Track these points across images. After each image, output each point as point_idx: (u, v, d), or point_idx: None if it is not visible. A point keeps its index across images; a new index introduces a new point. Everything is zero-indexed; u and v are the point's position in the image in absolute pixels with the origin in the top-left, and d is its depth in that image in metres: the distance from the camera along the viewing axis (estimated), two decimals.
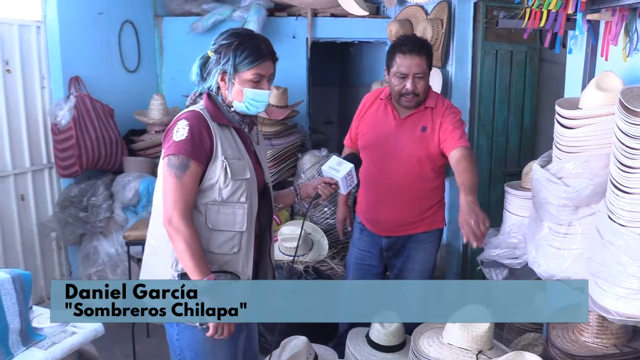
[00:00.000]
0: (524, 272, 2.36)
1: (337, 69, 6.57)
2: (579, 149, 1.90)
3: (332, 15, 4.58)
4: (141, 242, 2.65)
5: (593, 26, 2.16)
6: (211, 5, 4.41)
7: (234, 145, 1.82)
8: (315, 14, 4.57)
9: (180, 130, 1.72)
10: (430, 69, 2.50)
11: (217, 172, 1.76)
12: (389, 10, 4.64)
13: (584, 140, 1.89)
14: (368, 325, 2.60)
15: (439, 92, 3.59)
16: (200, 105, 1.82)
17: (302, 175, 4.06)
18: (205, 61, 1.84)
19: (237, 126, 1.87)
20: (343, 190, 2.12)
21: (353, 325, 2.72)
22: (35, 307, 2.06)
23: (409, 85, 2.44)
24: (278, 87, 4.07)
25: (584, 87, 2.17)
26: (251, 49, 1.78)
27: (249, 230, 1.84)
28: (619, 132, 1.68)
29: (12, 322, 1.82)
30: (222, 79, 1.81)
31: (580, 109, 1.95)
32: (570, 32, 2.33)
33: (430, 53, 2.51)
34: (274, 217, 2.49)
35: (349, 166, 2.07)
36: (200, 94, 1.90)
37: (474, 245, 1.89)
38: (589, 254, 1.87)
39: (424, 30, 3.63)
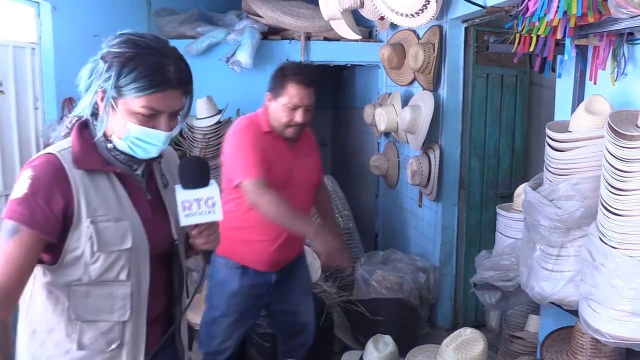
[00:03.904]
0: (517, 295, 2.36)
1: (330, 92, 6.61)
2: (570, 171, 1.92)
3: (325, 38, 4.64)
4: None
5: (581, 51, 2.19)
6: (205, 28, 4.45)
7: (112, 199, 1.33)
8: (308, 37, 4.62)
9: (20, 185, 1.25)
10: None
11: (81, 241, 1.28)
12: (381, 34, 4.70)
13: (575, 162, 1.91)
14: (362, 348, 2.58)
15: (430, 114, 3.63)
16: (65, 144, 1.33)
17: None
18: (94, 67, 1.31)
19: (120, 171, 1.35)
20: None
21: (347, 348, 2.71)
22: None
23: (299, 117, 2.31)
24: None
25: (573, 110, 2.20)
26: (146, 69, 1.25)
27: (135, 318, 1.36)
28: (608, 155, 1.69)
29: None
30: (101, 100, 1.30)
31: (570, 132, 1.97)
32: (560, 57, 2.37)
33: (318, 81, 2.41)
34: None
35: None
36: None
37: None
38: (581, 276, 1.87)
39: (415, 54, 3.68)
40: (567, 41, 2.00)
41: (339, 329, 3.59)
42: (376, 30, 4.80)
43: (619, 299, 1.67)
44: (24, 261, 1.24)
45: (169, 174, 1.50)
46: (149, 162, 1.42)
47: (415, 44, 3.77)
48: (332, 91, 6.62)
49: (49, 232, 1.25)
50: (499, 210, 2.47)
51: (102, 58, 1.29)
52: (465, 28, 3.65)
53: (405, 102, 4.03)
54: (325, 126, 6.80)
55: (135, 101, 1.26)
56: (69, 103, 3.70)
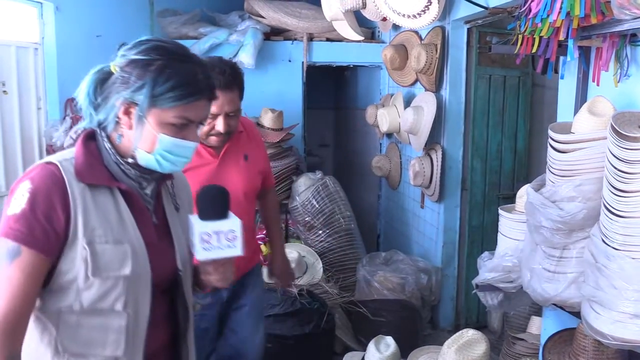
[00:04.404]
0: (519, 296, 2.36)
1: (332, 92, 6.62)
2: (572, 172, 1.91)
3: (328, 39, 4.64)
4: None
5: (584, 52, 2.19)
6: (208, 29, 4.46)
7: (114, 219, 1.20)
8: (311, 38, 4.62)
9: (18, 199, 1.13)
10: (241, 100, 2.14)
11: (75, 263, 1.15)
12: (383, 35, 4.70)
13: (577, 164, 1.90)
14: (363, 349, 2.58)
15: (433, 115, 3.63)
16: (68, 154, 1.22)
17: (297, 197, 4.06)
18: (104, 78, 1.23)
19: (126, 188, 1.24)
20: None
21: (348, 349, 2.70)
22: None
23: (220, 126, 2.06)
24: (274, 110, 4.10)
25: (576, 111, 2.20)
26: (182, 78, 1.19)
27: (131, 353, 1.22)
28: (611, 157, 1.69)
29: None
30: (127, 113, 1.20)
31: (573, 133, 1.96)
32: (562, 58, 2.37)
33: (241, 82, 2.12)
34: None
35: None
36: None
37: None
38: (583, 277, 1.87)
39: (418, 55, 3.68)
40: (570, 42, 2.00)
41: (340, 329, 3.59)
42: (378, 31, 4.80)
43: (622, 300, 1.67)
44: (29, 286, 1.12)
45: (178, 198, 1.40)
46: (160, 182, 1.33)
47: (418, 45, 3.77)
48: (335, 92, 6.63)
49: (52, 251, 1.14)
50: (501, 212, 2.46)
51: (123, 68, 1.20)
52: (468, 29, 3.65)
53: (407, 103, 4.03)
54: (328, 127, 6.80)
55: (169, 111, 1.19)
56: (72, 103, 3.71)
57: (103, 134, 1.25)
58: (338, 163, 6.67)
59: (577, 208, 1.87)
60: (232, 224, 1.25)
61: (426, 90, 3.87)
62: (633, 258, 1.64)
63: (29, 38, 3.60)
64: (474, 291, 2.50)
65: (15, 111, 3.48)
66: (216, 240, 1.23)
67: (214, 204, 1.27)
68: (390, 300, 3.59)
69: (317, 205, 4.02)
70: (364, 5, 3.52)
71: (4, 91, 3.41)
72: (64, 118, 3.63)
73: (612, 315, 1.70)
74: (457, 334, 2.49)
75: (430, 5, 2.94)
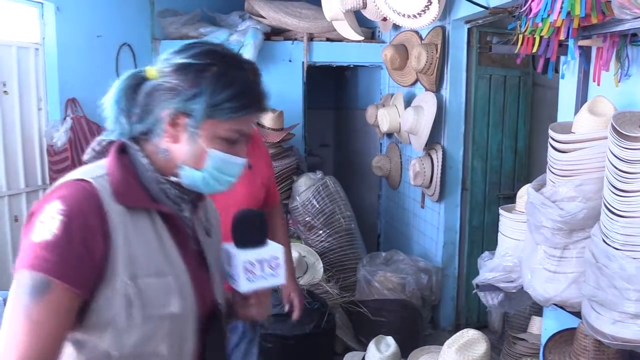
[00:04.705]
0: (519, 296, 2.36)
1: (332, 92, 6.62)
2: (573, 172, 1.91)
3: (328, 39, 4.64)
4: None
5: (585, 52, 2.19)
6: (208, 29, 4.46)
7: (155, 246, 1.04)
8: (311, 38, 4.62)
9: (48, 223, 0.93)
10: None
11: (114, 302, 0.97)
12: (383, 35, 4.70)
13: (578, 164, 1.90)
14: (364, 349, 2.58)
15: (433, 115, 3.63)
16: (98, 170, 1.04)
17: (297, 197, 4.06)
18: (136, 84, 1.07)
19: (168, 211, 1.08)
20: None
21: (348, 349, 2.70)
22: None
23: None
24: (274, 110, 4.10)
25: (576, 111, 2.20)
26: (240, 87, 1.06)
27: None
28: (611, 156, 1.69)
29: None
30: (174, 124, 1.05)
31: (574, 133, 1.96)
32: (563, 58, 2.37)
33: None
34: None
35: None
36: (111, 144, 1.11)
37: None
38: (584, 277, 1.87)
39: (418, 55, 3.68)
40: (571, 42, 2.00)
41: (341, 330, 3.59)
42: (379, 31, 4.80)
43: (622, 300, 1.67)
44: (58, 329, 0.93)
45: (208, 221, 1.25)
46: (196, 204, 1.18)
47: (418, 45, 3.77)
48: (335, 92, 6.63)
49: (87, 286, 0.95)
50: (501, 212, 2.46)
51: (169, 74, 1.05)
52: (468, 29, 3.65)
53: (407, 103, 4.03)
54: (328, 127, 6.81)
55: (224, 124, 1.05)
56: (72, 103, 3.71)
57: (136, 147, 1.08)
58: (338, 163, 6.67)
59: (578, 208, 1.87)
60: (275, 250, 1.15)
61: (426, 90, 3.87)
62: (634, 258, 1.64)
63: (30, 38, 3.60)
64: (474, 291, 2.50)
65: (16, 111, 3.48)
66: (259, 270, 1.13)
67: (253, 230, 1.17)
68: (390, 300, 3.59)
69: (317, 205, 4.02)
70: (364, 5, 3.52)
71: (5, 91, 3.41)
72: (65, 118, 3.64)
73: (612, 315, 1.70)
74: (458, 333, 2.49)
75: (430, 5, 2.94)
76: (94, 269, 0.95)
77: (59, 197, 0.97)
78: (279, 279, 1.15)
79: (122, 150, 1.08)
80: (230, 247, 1.15)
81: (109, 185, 1.01)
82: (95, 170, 1.04)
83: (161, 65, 1.07)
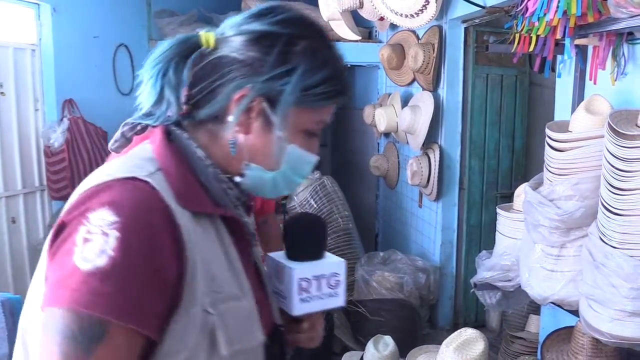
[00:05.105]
0: (517, 295, 2.36)
1: None
2: (570, 171, 1.92)
3: None
4: None
5: (581, 51, 2.20)
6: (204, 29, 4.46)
7: (223, 262, 0.81)
8: None
9: (98, 241, 0.68)
10: None
11: (191, 337, 0.74)
12: (380, 34, 4.70)
13: (574, 162, 1.91)
14: (362, 349, 2.58)
15: (430, 115, 3.63)
16: (148, 164, 0.79)
17: (295, 197, 4.06)
18: (187, 53, 0.83)
19: (234, 216, 0.86)
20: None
21: (347, 349, 2.70)
22: None
23: None
24: None
25: (573, 110, 2.20)
26: (334, 68, 0.86)
27: None
28: (608, 155, 1.69)
29: (0, 348, 1.79)
30: (248, 109, 0.82)
31: (570, 132, 1.97)
32: (559, 57, 2.37)
33: None
34: None
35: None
36: (144, 129, 0.89)
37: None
38: (581, 276, 1.87)
39: (415, 54, 3.68)
40: (567, 41, 2.01)
41: (339, 329, 3.59)
42: (376, 31, 4.80)
43: (620, 298, 1.67)
44: None
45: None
46: (250, 206, 0.95)
47: (415, 45, 3.78)
48: None
49: (158, 324, 0.71)
50: (499, 211, 2.47)
51: (243, 43, 0.81)
52: (465, 28, 3.66)
53: (405, 103, 4.04)
54: (325, 127, 6.79)
55: (312, 113, 0.85)
56: (69, 104, 3.71)
57: (185, 134, 0.84)
58: (336, 163, 6.67)
59: (575, 206, 1.87)
60: (336, 265, 0.94)
61: (423, 89, 3.87)
62: (631, 256, 1.65)
63: (27, 39, 3.60)
64: (472, 290, 2.51)
65: (13, 112, 3.48)
66: (316, 288, 0.92)
67: (312, 238, 0.96)
68: (388, 299, 3.59)
69: (315, 205, 4.02)
70: (361, 5, 3.52)
71: (2, 92, 3.40)
72: (62, 119, 3.63)
73: (610, 313, 1.70)
74: (456, 333, 2.49)
75: (427, 4, 2.94)
76: (165, 300, 0.71)
77: (109, 204, 0.70)
78: (339, 299, 0.95)
79: (168, 136, 0.85)
80: (280, 258, 0.95)
81: (168, 185, 0.76)
82: (144, 165, 0.78)
83: (230, 31, 0.84)
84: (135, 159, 0.80)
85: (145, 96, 0.84)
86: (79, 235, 0.69)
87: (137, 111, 0.87)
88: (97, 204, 0.70)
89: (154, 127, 0.86)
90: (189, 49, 0.83)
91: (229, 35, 0.83)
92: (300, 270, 0.91)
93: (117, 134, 0.90)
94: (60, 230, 0.72)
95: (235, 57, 0.81)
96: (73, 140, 3.61)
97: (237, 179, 0.86)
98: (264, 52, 0.80)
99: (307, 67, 0.81)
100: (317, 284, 0.92)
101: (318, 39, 0.85)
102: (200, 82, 0.83)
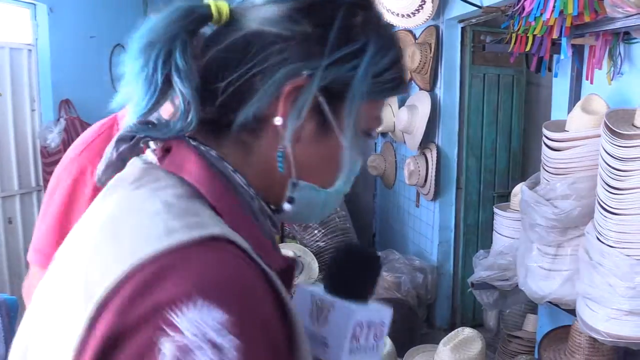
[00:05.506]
0: (514, 294, 2.37)
1: None
2: (566, 170, 1.92)
3: None
4: None
5: (578, 50, 2.20)
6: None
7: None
8: None
9: (207, 354, 0.43)
10: None
11: None
12: None
13: (571, 162, 1.91)
14: None
15: (427, 114, 3.63)
16: (203, 211, 0.54)
17: None
18: (194, 29, 0.59)
19: (291, 265, 0.65)
20: None
21: None
22: None
23: None
24: None
25: (570, 109, 2.21)
26: (398, 49, 0.64)
27: None
28: (605, 154, 1.70)
29: None
30: (313, 113, 0.59)
31: (567, 131, 1.97)
32: (556, 56, 2.38)
33: None
34: None
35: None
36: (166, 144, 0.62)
37: None
38: (578, 275, 1.87)
39: (412, 54, 3.68)
40: (564, 41, 2.01)
41: None
42: None
43: (616, 297, 1.68)
44: None
45: None
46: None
47: (412, 44, 3.78)
48: None
49: None
50: (496, 210, 2.47)
51: (282, 16, 0.58)
52: (462, 28, 3.66)
53: (402, 102, 4.04)
54: None
55: (375, 109, 0.64)
56: (66, 105, 3.70)
57: (214, 153, 0.59)
58: None
59: (572, 206, 1.87)
60: (385, 312, 0.76)
61: (420, 89, 3.87)
62: (627, 255, 1.65)
63: (23, 39, 3.59)
64: (469, 289, 2.51)
65: (9, 113, 3.47)
66: (365, 338, 0.71)
67: (368, 277, 0.76)
68: (386, 299, 3.59)
69: None
70: None
71: None
72: (58, 120, 3.62)
73: (607, 312, 1.71)
74: (453, 332, 2.49)
75: (424, 4, 2.94)
76: None
77: (204, 292, 0.45)
78: (378, 355, 0.75)
79: (205, 161, 0.59)
80: (322, 293, 0.73)
81: (243, 241, 0.53)
82: (195, 208, 0.53)
83: (286, 4, 0.59)
84: (172, 198, 0.53)
85: (137, 94, 0.59)
86: (168, 343, 0.43)
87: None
88: (182, 294, 0.44)
89: (164, 140, 0.61)
90: (194, 24, 0.59)
91: (259, 4, 0.59)
92: (359, 312, 0.70)
93: (111, 156, 0.63)
94: (124, 335, 0.44)
95: (277, 32, 0.57)
96: (70, 140, 3.60)
97: (287, 206, 0.62)
98: (321, 25, 0.58)
99: (377, 47, 0.60)
100: (367, 333, 0.72)
101: (375, 9, 0.63)
102: (222, 71, 0.58)
